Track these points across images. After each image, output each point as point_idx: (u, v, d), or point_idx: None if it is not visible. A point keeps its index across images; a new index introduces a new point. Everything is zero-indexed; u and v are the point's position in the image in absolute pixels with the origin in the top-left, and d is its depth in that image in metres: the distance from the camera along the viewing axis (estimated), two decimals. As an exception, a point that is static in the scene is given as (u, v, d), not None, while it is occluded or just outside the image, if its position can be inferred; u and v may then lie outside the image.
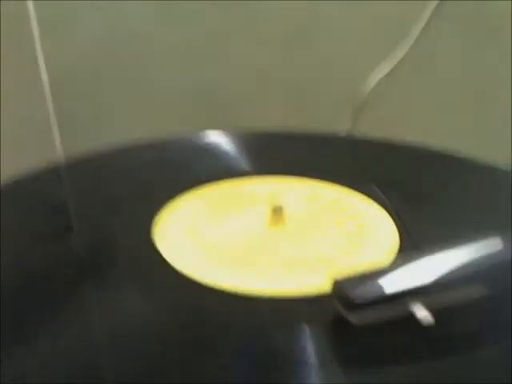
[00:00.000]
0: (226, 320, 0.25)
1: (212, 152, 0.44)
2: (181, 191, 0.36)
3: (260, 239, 0.32)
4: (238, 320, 0.25)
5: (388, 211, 0.34)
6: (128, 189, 0.38)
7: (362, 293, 0.22)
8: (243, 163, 0.42)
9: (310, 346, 0.23)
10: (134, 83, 0.70)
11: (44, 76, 0.65)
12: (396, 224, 0.33)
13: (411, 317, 0.23)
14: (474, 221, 0.32)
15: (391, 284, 0.23)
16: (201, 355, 0.22)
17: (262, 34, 0.66)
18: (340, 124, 0.67)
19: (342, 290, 0.23)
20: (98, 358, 0.23)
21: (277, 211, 0.33)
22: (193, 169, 0.41)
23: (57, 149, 0.68)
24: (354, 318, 0.23)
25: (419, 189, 0.38)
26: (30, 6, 0.61)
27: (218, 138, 0.45)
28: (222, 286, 0.27)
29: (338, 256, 0.30)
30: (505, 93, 0.63)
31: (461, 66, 0.64)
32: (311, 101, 0.67)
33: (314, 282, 0.26)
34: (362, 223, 0.33)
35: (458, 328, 0.24)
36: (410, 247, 0.30)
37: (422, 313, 0.22)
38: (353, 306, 0.22)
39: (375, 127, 0.65)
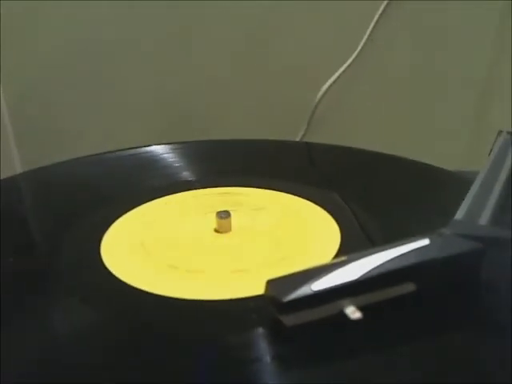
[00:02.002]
0: (165, 324, 0.26)
1: (158, 164, 0.44)
2: (130, 204, 0.37)
3: (206, 246, 0.33)
4: (176, 323, 0.26)
5: (334, 217, 0.35)
6: (77, 202, 0.39)
7: (290, 294, 0.23)
8: (191, 173, 0.43)
9: (250, 347, 0.24)
10: (93, 93, 0.70)
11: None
12: (341, 230, 0.34)
13: (343, 315, 0.24)
14: (418, 222, 0.33)
15: (320, 284, 0.24)
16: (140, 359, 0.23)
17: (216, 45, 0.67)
18: (293, 130, 0.68)
19: (273, 291, 0.24)
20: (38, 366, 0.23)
21: (223, 218, 0.34)
22: (142, 182, 0.42)
23: (14, 162, 0.68)
24: (285, 319, 0.24)
25: (371, 194, 0.39)
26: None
27: (164, 151, 0.46)
28: (161, 292, 0.27)
29: (278, 260, 0.31)
30: (455, 94, 0.65)
31: (409, 68, 0.65)
32: (266, 108, 0.68)
33: (255, 285, 0.27)
34: (307, 228, 0.34)
35: (388, 323, 0.25)
36: (351, 250, 0.31)
37: (350, 309, 0.23)
38: (283, 307, 0.23)
39: (328, 133, 0.67)
